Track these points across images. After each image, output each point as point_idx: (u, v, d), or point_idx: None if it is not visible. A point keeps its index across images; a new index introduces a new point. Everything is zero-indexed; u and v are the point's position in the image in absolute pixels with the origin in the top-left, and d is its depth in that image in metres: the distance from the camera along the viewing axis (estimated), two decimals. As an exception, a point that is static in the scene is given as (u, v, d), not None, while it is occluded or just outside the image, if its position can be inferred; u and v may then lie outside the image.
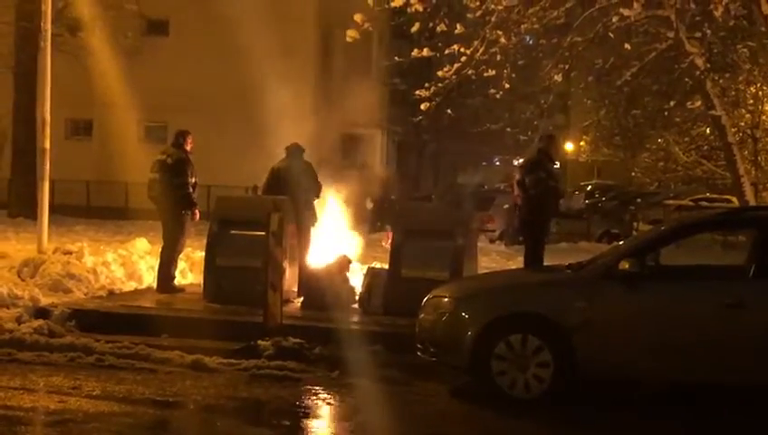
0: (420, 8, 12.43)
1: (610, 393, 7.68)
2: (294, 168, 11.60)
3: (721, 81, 17.98)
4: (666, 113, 21.20)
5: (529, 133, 40.68)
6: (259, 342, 8.68)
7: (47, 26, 13.44)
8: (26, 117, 22.05)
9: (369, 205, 12.46)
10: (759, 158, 21.68)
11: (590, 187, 42.51)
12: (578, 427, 7.04)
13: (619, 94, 17.62)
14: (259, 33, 18.18)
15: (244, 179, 16.68)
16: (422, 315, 7.92)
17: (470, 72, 12.98)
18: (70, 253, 11.80)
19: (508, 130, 38.75)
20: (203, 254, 11.27)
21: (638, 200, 32.19)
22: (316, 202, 11.71)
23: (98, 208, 25.20)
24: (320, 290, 10.55)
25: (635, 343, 7.31)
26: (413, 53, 13.04)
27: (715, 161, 25.79)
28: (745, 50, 16.30)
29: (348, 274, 11.02)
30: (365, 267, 11.32)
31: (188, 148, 11.47)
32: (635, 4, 12.48)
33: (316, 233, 11.79)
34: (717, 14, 12.93)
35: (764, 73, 18.68)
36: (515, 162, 11.42)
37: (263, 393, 7.57)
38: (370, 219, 12.93)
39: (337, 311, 10.24)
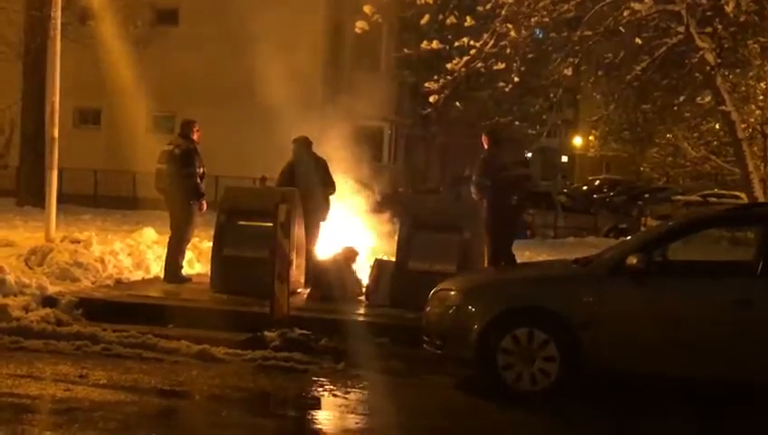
0: (430, 0, 12.40)
1: (616, 388, 7.68)
2: (302, 160, 11.59)
3: (731, 76, 17.87)
4: (675, 108, 21.09)
5: (537, 127, 40.80)
6: (265, 332, 8.70)
7: (57, 15, 13.44)
8: (35, 106, 22.08)
9: (377, 197, 12.41)
10: (768, 154, 21.58)
11: (598, 181, 42.51)
12: (583, 421, 7.04)
13: (629, 89, 17.50)
14: (268, 24, 18.15)
15: (252, 170, 16.71)
16: (428, 308, 7.93)
17: (479, 65, 12.95)
18: (77, 242, 11.83)
19: (517, 123, 38.75)
20: (210, 244, 11.28)
21: (647, 195, 32.19)
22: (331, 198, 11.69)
23: (105, 198, 25.20)
24: (327, 282, 10.56)
25: (641, 338, 7.30)
26: (422, 46, 13.00)
27: (724, 157, 25.68)
28: (756, 45, 16.19)
29: (355, 265, 11.01)
30: (372, 259, 11.32)
31: (196, 138, 11.48)
32: (646, -1, 12.44)
33: (325, 225, 11.77)
34: (728, 9, 12.87)
35: (775, 69, 18.58)
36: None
37: (268, 384, 7.59)
38: (378, 212, 12.90)
39: (343, 303, 10.26)
